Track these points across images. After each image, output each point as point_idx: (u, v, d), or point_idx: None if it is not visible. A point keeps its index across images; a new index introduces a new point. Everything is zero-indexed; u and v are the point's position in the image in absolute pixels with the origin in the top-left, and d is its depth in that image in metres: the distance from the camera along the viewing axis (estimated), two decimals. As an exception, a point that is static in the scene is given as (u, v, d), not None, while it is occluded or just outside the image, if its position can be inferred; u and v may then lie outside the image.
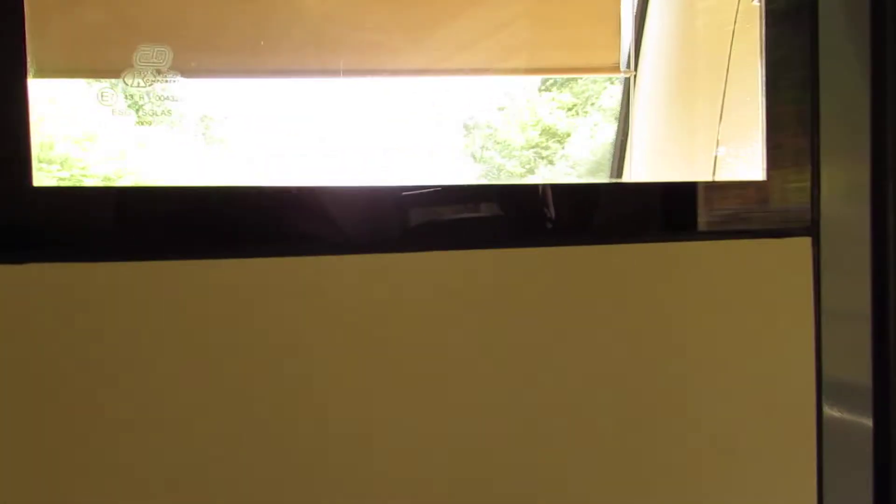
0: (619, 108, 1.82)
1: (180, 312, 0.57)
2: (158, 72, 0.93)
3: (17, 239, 0.55)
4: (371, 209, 0.67)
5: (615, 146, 1.82)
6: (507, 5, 1.61)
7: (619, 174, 1.80)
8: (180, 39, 1.57)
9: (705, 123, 1.60)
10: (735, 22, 1.53)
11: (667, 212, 0.84)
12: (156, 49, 0.96)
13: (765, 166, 0.84)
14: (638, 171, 1.72)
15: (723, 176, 1.59)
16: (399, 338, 0.64)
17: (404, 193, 0.68)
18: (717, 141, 1.58)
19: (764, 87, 0.85)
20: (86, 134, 1.73)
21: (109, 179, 1.77)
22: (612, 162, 1.84)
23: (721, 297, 0.83)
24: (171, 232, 0.60)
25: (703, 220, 0.84)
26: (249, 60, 1.64)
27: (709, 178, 1.60)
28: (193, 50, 1.56)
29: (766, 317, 0.86)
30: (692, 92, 1.64)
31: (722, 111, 1.56)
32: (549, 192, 0.76)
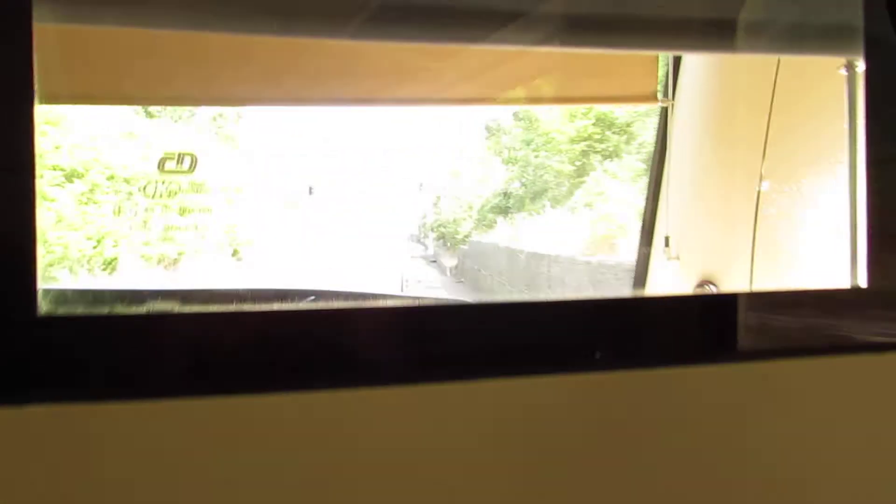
0: (654, 139, 1.75)
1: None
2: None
3: (18, 377, 0.48)
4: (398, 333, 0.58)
5: (650, 177, 1.76)
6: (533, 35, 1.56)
7: (654, 208, 1.73)
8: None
9: (745, 156, 1.53)
10: (779, 59, 1.46)
11: (749, 327, 0.70)
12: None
13: (867, 273, 0.70)
14: (676, 203, 1.65)
15: (767, 212, 1.51)
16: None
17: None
18: (761, 175, 1.50)
19: (866, 183, 0.70)
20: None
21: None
22: (648, 193, 1.77)
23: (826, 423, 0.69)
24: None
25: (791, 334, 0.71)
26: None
27: (751, 217, 1.53)
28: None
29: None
30: (733, 124, 1.56)
31: (766, 144, 1.49)
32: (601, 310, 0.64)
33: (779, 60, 1.46)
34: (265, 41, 1.49)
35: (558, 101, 1.66)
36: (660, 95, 1.64)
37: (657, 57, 1.60)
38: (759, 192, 1.51)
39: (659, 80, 1.64)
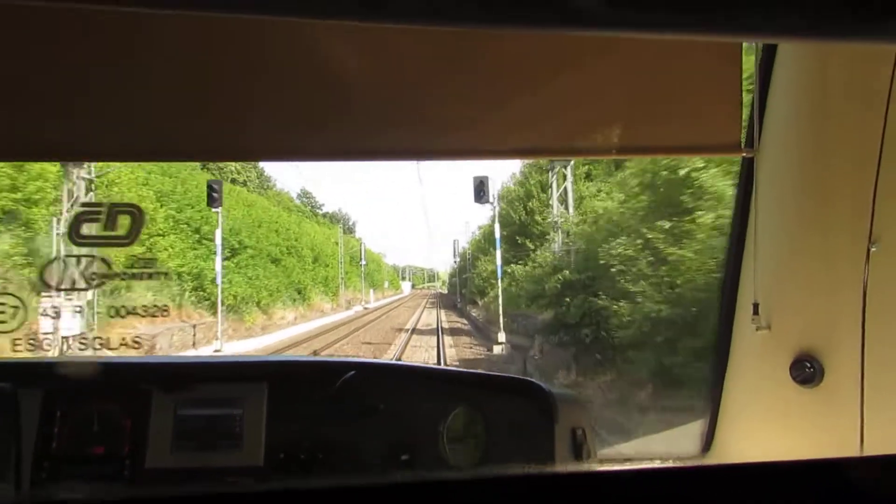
0: (735, 194, 1.57)
1: None
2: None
3: None
4: None
5: (731, 236, 1.56)
6: (612, 81, 1.42)
7: (737, 270, 1.52)
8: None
9: (849, 213, 1.33)
10: (889, 99, 1.29)
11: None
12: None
13: None
14: (765, 266, 1.44)
15: (878, 275, 1.29)
16: None
17: None
18: (870, 234, 1.30)
19: None
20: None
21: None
22: (728, 254, 1.57)
23: None
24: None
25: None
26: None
27: (859, 280, 1.31)
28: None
29: None
30: (832, 176, 1.37)
31: (875, 199, 1.29)
32: None
33: (887, 104, 1.29)
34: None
35: (634, 152, 1.52)
36: (742, 144, 1.47)
37: (741, 103, 1.44)
38: (868, 251, 1.30)
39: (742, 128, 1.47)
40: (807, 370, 1.34)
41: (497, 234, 17.34)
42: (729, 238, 1.57)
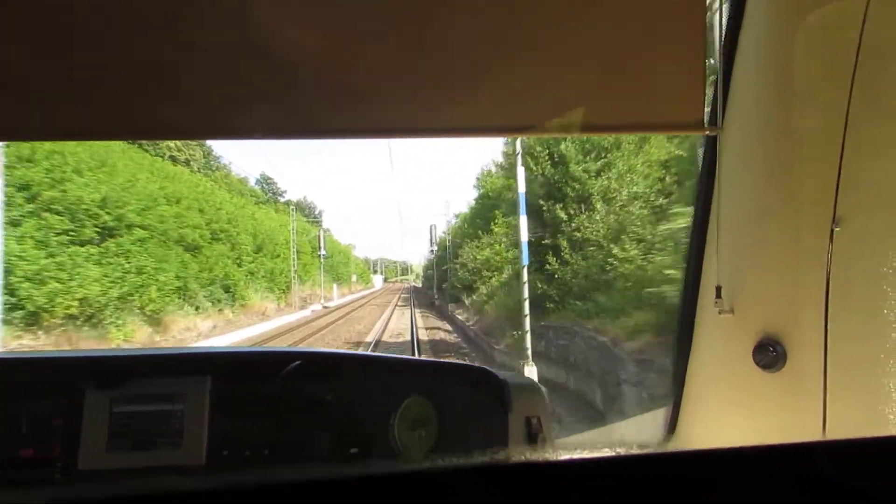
0: (699, 174, 1.52)
1: None
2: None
3: None
4: None
5: (694, 218, 1.52)
6: (571, 58, 1.36)
7: (700, 253, 1.48)
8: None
9: (814, 193, 1.30)
10: (855, 71, 1.25)
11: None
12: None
13: None
14: (728, 248, 1.40)
15: (842, 255, 1.26)
16: None
17: None
18: (834, 215, 1.26)
19: None
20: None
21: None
22: (692, 236, 1.52)
23: None
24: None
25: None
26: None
27: (824, 261, 1.27)
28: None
29: None
30: (795, 156, 1.34)
31: (839, 179, 1.26)
32: None
33: (852, 81, 1.25)
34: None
35: (598, 130, 1.45)
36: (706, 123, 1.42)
37: (704, 78, 1.39)
38: (832, 233, 1.27)
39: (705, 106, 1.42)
40: (770, 354, 1.31)
41: (522, 191, 10.24)
42: (692, 219, 1.52)
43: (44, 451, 1.28)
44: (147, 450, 1.30)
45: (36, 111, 1.29)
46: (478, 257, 21.36)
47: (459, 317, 21.99)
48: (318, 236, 36.30)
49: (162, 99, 1.37)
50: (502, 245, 18.69)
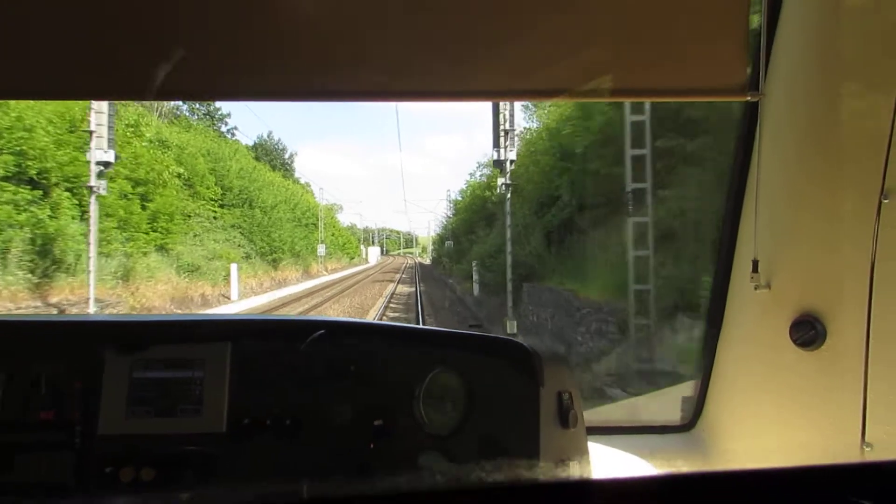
0: (735, 142, 1.45)
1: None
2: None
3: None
4: None
5: (730, 189, 1.45)
6: (602, 18, 1.29)
7: (736, 225, 1.42)
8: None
9: (860, 163, 1.23)
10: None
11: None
12: None
13: None
14: (766, 220, 1.34)
15: (890, 220, 1.19)
16: None
17: None
18: (883, 187, 1.20)
19: None
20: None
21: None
22: (727, 207, 1.46)
23: None
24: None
25: None
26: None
27: (869, 236, 1.21)
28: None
29: None
30: (840, 124, 1.26)
31: (889, 149, 1.19)
32: None
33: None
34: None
35: (636, 94, 1.38)
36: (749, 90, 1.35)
37: (747, 42, 1.31)
38: (880, 204, 1.20)
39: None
40: (808, 331, 1.26)
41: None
42: (728, 190, 1.46)
43: (63, 414, 1.27)
44: (167, 416, 1.28)
45: (33, 69, 1.26)
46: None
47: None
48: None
49: (162, 59, 1.33)
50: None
